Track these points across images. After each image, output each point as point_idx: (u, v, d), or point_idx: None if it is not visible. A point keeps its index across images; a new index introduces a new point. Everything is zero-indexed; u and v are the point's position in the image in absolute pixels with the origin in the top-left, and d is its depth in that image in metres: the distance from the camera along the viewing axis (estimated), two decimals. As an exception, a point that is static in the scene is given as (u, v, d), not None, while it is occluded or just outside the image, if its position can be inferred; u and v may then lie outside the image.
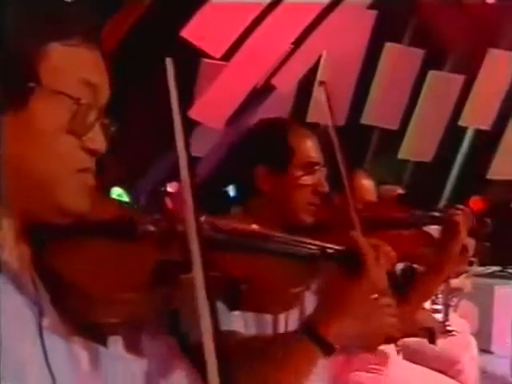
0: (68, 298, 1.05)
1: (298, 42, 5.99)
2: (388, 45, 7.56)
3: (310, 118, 6.75)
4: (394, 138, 7.70)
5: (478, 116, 8.62)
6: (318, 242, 1.37)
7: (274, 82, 6.04)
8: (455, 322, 3.92)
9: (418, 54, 7.78)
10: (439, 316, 3.86)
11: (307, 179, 2.01)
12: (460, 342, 3.60)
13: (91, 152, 1.08)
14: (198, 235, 1.03)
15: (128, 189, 6.36)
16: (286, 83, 6.24)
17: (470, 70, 8.36)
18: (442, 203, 8.32)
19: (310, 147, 2.04)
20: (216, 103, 5.24)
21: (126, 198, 6.46)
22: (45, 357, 1.03)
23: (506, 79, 8.68)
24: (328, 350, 1.39)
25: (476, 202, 8.36)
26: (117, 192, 6.45)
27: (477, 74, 8.46)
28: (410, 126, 7.93)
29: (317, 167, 2.03)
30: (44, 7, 1.09)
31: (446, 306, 3.96)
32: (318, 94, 2.07)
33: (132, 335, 1.18)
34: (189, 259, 1.02)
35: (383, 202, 3.00)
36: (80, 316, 1.05)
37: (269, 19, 5.58)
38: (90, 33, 1.10)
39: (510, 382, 4.86)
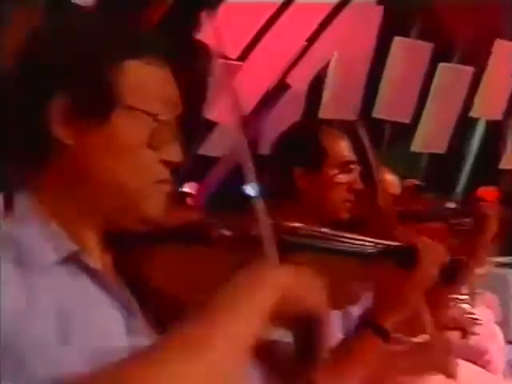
0: (153, 300, 1.12)
1: (311, 40, 6.05)
2: (397, 39, 7.61)
3: (322, 114, 6.81)
4: (406, 132, 7.74)
5: (488, 107, 8.68)
6: (373, 239, 1.45)
7: (288, 80, 6.11)
8: (480, 311, 3.95)
9: (427, 47, 7.81)
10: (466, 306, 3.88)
11: (342, 178, 2.12)
12: (487, 332, 3.67)
13: (168, 164, 1.16)
14: (273, 238, 1.12)
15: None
16: (300, 81, 6.30)
17: (478, 61, 8.43)
18: (457, 194, 8.39)
19: (343, 147, 2.15)
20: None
21: None
22: None
23: (513, 68, 8.76)
24: (386, 337, 1.52)
25: (488, 192, 8.41)
26: None
27: (486, 65, 8.53)
28: (422, 119, 7.96)
29: (351, 166, 2.11)
30: (121, 25, 1.17)
31: (472, 295, 3.98)
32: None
33: None
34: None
35: (406, 194, 3.07)
36: (165, 317, 1.10)
37: (282, 19, 5.65)
38: (162, 50, 1.16)
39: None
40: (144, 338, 1.10)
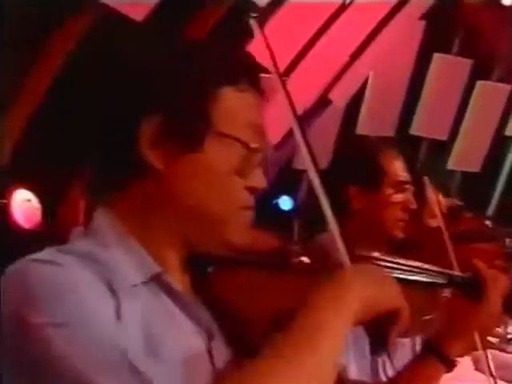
0: (231, 324, 1.11)
1: (353, 56, 6.01)
2: (436, 55, 7.55)
3: (359, 130, 6.76)
4: (441, 148, 7.69)
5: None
6: (441, 269, 1.46)
7: (330, 96, 6.06)
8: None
9: (466, 64, 7.76)
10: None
11: (398, 197, 2.11)
12: None
13: (253, 190, 1.15)
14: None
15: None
16: (342, 97, 6.25)
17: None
18: (490, 211, 8.33)
19: (399, 167, 2.17)
20: (276, 118, 5.27)
21: None
22: None
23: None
24: (451, 366, 1.52)
25: (522, 212, 8.36)
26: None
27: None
28: (459, 137, 7.91)
29: (406, 186, 2.13)
30: (221, 51, 1.16)
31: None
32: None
33: None
34: None
35: (450, 215, 3.03)
36: (244, 340, 1.11)
37: (326, 35, 5.59)
38: (257, 77, 1.15)
39: None
40: (224, 360, 1.11)
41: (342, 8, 5.71)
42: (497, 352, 3.12)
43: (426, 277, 1.43)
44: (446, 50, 7.75)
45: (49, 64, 4.59)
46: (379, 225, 2.16)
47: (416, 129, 7.52)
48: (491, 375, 2.07)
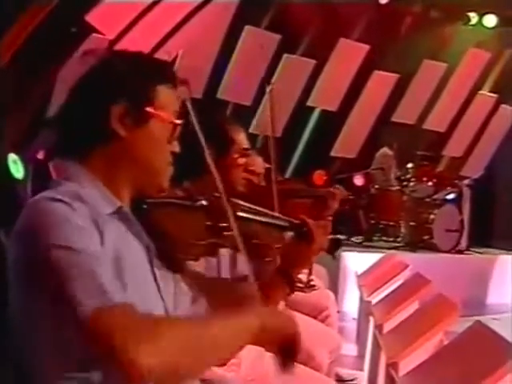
0: (165, 242, 1.65)
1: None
2: (247, 28, 8.17)
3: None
4: (247, 113, 8.28)
5: (325, 98, 9.47)
6: (281, 216, 2.04)
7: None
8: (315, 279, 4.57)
9: (275, 38, 8.42)
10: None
11: (242, 160, 2.69)
12: (323, 294, 4.28)
13: (174, 153, 1.67)
14: (232, 211, 1.70)
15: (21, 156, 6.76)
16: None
17: (321, 55, 9.12)
18: (287, 175, 9.02)
19: (243, 137, 2.74)
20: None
21: (20, 165, 6.79)
22: (157, 285, 1.61)
23: (354, 67, 9.52)
24: (293, 287, 2.05)
25: (319, 176, 9.14)
26: (12, 158, 6.77)
27: (327, 59, 9.26)
28: (262, 103, 8.55)
29: (248, 152, 2.72)
30: (158, 62, 1.71)
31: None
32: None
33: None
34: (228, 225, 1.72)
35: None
36: (170, 252, 1.66)
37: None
38: (175, 78, 1.68)
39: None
40: (158, 267, 1.62)
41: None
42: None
43: (273, 220, 2.00)
44: (257, 24, 8.42)
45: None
46: (228, 183, 2.53)
47: (222, 93, 8.17)
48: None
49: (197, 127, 1.71)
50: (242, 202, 1.88)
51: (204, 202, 1.77)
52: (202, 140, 1.73)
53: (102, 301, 1.37)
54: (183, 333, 1.43)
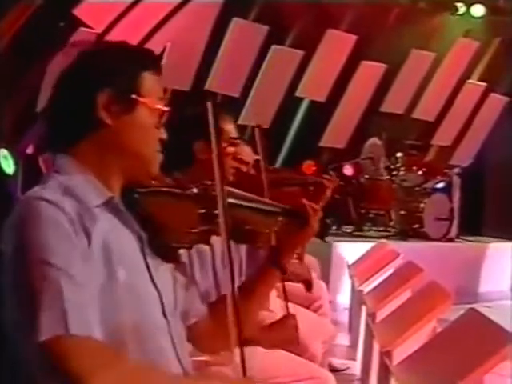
0: (157, 231, 1.64)
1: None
2: (235, 20, 8.18)
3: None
4: (236, 104, 8.31)
5: (313, 89, 9.47)
6: (273, 202, 2.03)
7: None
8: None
9: (263, 29, 8.41)
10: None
11: (230, 149, 2.68)
12: (316, 284, 4.15)
13: (162, 140, 1.67)
14: (222, 199, 1.67)
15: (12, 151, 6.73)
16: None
17: (309, 46, 9.13)
18: (277, 165, 9.07)
19: (232, 127, 2.74)
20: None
21: (10, 161, 6.78)
22: (149, 274, 1.60)
23: (342, 57, 9.54)
24: (284, 272, 2.03)
25: (308, 167, 9.17)
26: (2, 154, 6.71)
27: (315, 50, 9.26)
28: (251, 94, 8.60)
29: (236, 141, 2.71)
30: (143, 50, 1.71)
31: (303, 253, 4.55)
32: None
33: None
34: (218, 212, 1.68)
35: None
36: (163, 241, 1.66)
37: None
38: (159, 65, 1.68)
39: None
40: (151, 257, 1.62)
41: None
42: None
43: (265, 206, 1.99)
44: (245, 16, 8.41)
45: None
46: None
47: (210, 85, 8.17)
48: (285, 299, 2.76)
49: (212, 127, 1.70)
50: (233, 190, 1.87)
51: (195, 190, 1.76)
52: (214, 137, 1.72)
53: (61, 328, 1.37)
54: (140, 372, 1.45)
